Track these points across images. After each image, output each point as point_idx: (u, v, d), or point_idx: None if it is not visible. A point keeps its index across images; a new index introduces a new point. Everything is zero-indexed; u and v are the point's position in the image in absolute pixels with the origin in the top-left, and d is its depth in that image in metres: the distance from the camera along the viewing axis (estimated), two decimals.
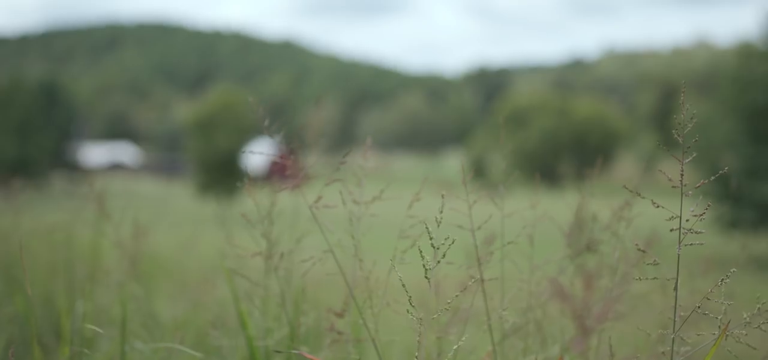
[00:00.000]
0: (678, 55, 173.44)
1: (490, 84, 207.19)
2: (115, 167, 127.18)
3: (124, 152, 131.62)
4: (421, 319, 1.63)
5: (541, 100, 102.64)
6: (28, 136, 60.29)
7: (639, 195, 1.97)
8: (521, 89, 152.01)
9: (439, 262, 1.71)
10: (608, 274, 2.10)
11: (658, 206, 1.85)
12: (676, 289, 1.79)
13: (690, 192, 1.89)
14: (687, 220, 1.86)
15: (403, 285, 1.72)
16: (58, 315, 3.31)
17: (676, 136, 1.91)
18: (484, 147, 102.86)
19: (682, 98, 1.97)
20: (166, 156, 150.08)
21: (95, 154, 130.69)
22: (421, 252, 1.74)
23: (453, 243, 1.69)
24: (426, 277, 1.74)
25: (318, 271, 2.21)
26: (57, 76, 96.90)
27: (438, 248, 1.79)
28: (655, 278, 1.78)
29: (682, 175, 1.83)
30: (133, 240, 3.60)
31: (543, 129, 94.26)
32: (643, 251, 1.76)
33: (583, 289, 1.91)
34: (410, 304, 1.67)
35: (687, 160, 1.91)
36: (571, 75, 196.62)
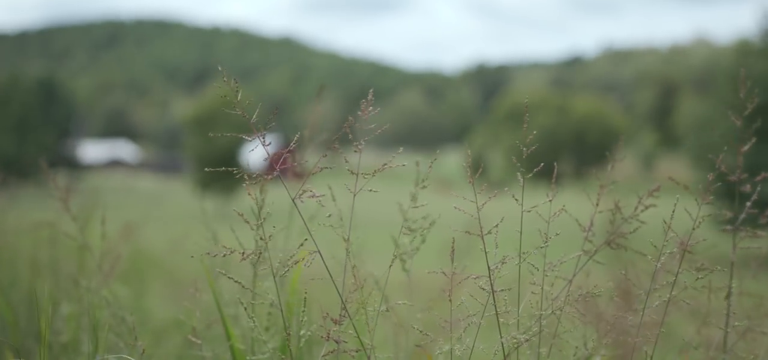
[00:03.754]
0: (676, 52, 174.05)
1: (489, 82, 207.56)
2: (115, 164, 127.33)
3: (124, 150, 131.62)
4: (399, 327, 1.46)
5: (541, 97, 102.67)
6: (26, 133, 60.05)
7: (686, 188, 1.79)
8: (521, 87, 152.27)
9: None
10: (637, 278, 1.89)
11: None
12: (728, 296, 1.61)
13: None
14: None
15: (383, 292, 1.55)
16: (39, 318, 3.15)
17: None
18: (483, 145, 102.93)
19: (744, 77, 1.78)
20: (165, 153, 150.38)
21: (94, 151, 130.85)
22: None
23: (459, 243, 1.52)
24: (405, 268, 1.57)
25: (310, 271, 2.04)
26: (56, 74, 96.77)
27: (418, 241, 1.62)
28: (703, 287, 1.60)
29: (740, 167, 1.66)
30: (119, 239, 3.45)
31: (542, 127, 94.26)
32: (689, 251, 1.58)
33: (619, 303, 1.69)
34: (384, 305, 1.50)
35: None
36: (571, 73, 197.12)
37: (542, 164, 2.23)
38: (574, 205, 2.26)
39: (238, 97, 2.01)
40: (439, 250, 2.13)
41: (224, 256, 1.69)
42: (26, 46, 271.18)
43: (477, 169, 2.19)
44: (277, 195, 2.33)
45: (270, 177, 2.10)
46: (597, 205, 1.96)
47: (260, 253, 1.81)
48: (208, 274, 2.07)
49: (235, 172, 1.98)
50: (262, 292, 1.98)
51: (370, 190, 1.85)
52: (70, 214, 2.33)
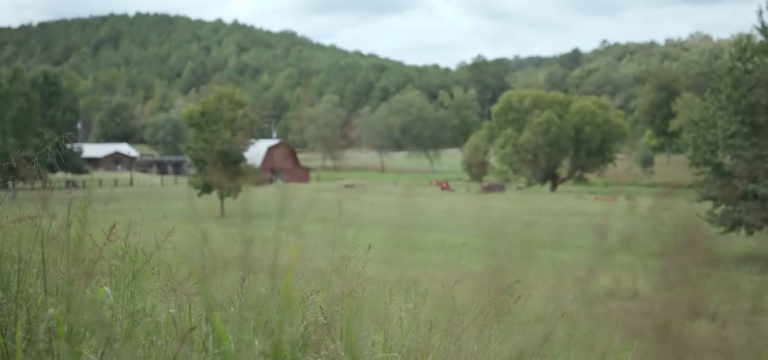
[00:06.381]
0: (675, 49, 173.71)
1: (489, 81, 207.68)
2: (116, 162, 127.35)
3: (125, 148, 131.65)
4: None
5: (540, 96, 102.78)
6: (27, 132, 59.84)
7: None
8: (520, 87, 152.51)
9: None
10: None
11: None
12: None
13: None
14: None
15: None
16: (29, 320, 3.06)
17: None
18: (483, 144, 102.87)
19: None
20: (166, 152, 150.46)
21: (95, 149, 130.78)
22: None
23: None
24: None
25: (307, 268, 1.94)
26: (58, 73, 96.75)
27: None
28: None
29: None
30: (112, 237, 3.37)
31: (541, 126, 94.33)
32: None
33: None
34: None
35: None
36: (571, 72, 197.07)
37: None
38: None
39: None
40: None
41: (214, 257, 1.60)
42: (28, 43, 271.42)
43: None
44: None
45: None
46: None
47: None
48: (201, 279, 1.97)
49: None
50: (251, 293, 1.87)
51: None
52: (49, 213, 2.24)
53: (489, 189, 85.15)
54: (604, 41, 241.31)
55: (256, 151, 72.93)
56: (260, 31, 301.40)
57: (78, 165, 79.79)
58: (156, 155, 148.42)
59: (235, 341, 1.85)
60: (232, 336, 1.87)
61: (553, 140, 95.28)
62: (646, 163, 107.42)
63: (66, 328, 2.95)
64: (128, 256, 3.70)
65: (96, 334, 2.80)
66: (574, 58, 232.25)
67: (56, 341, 2.83)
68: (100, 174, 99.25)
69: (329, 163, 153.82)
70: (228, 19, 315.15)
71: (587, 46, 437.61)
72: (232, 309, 2.05)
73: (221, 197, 44.62)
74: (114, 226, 2.92)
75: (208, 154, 46.55)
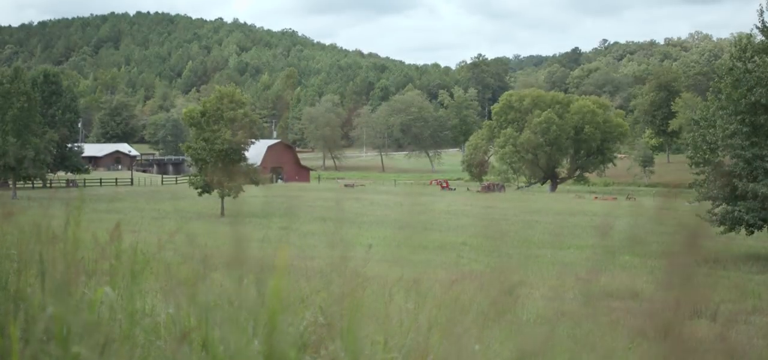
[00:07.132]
0: (675, 49, 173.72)
1: (489, 81, 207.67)
2: (116, 162, 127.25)
3: (125, 148, 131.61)
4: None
5: (541, 96, 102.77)
6: (27, 133, 59.66)
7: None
8: (520, 87, 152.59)
9: None
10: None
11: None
12: None
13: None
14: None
15: None
16: (27, 319, 3.04)
17: None
18: (483, 144, 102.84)
19: None
20: (166, 152, 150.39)
21: (96, 149, 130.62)
22: None
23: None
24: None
25: (307, 267, 1.93)
26: (58, 73, 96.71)
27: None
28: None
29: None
30: (111, 237, 3.36)
31: (541, 125, 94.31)
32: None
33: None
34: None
35: None
36: (571, 72, 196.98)
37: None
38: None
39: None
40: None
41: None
42: (28, 42, 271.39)
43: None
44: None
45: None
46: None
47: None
48: (198, 277, 1.96)
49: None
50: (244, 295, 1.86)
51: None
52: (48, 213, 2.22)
53: (489, 188, 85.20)
54: (604, 41, 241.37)
55: (256, 151, 72.97)
56: (260, 30, 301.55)
57: (78, 164, 79.77)
58: (156, 155, 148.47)
59: (233, 342, 1.84)
60: (231, 337, 1.86)
61: (553, 140, 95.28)
62: (646, 162, 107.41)
63: (64, 328, 2.94)
64: (127, 256, 3.68)
65: (94, 335, 2.79)
66: (574, 57, 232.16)
67: (54, 341, 2.82)
68: (100, 173, 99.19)
69: (330, 162, 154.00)
70: (228, 19, 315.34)
71: (587, 45, 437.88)
72: (231, 310, 2.04)
73: (221, 197, 44.66)
74: (118, 225, 2.90)
75: (209, 154, 46.57)
